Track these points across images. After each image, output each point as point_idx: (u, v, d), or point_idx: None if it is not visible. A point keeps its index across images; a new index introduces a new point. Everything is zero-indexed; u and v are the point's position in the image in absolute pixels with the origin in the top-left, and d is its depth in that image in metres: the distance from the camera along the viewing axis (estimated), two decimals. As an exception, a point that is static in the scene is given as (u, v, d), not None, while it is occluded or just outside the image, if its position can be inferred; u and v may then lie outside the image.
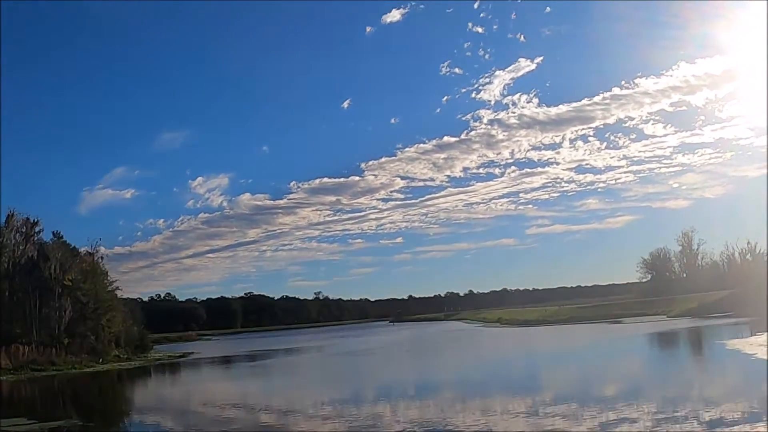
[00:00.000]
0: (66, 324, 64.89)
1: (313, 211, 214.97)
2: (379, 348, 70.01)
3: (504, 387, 29.55)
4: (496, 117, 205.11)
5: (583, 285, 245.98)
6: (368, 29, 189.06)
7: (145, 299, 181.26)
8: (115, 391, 44.24)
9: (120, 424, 28.42)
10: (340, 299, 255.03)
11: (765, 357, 29.80)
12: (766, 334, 40.27)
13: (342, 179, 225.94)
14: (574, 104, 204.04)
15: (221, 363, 67.62)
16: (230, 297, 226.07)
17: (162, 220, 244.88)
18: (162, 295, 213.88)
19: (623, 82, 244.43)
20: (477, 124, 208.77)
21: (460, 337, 79.81)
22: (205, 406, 30.87)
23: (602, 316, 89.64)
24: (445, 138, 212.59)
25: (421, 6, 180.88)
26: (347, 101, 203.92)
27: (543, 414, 20.62)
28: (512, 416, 20.52)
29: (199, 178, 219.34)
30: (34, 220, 69.49)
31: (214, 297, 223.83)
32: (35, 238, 69.43)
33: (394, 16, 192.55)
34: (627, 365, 35.78)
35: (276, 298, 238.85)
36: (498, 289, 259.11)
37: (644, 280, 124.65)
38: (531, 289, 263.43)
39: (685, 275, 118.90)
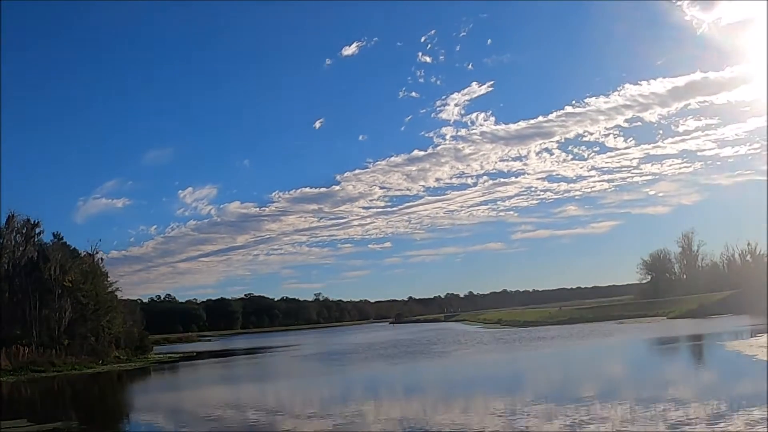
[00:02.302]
0: (66, 325, 64.87)
1: (298, 218, 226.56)
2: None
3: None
4: (459, 134, 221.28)
5: (583, 286, 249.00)
6: (328, 61, 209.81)
7: (145, 300, 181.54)
8: (115, 393, 44.26)
9: (119, 425, 28.44)
10: (340, 300, 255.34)
11: (765, 358, 29.80)
12: (766, 335, 40.27)
13: (323, 189, 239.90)
14: (532, 121, 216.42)
15: (219, 364, 67.81)
16: (230, 298, 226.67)
17: (154, 227, 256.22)
18: (162, 297, 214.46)
19: (574, 102, 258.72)
20: (441, 140, 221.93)
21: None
22: (201, 406, 31.18)
23: (602, 317, 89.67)
24: (415, 152, 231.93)
25: (375, 39, 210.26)
26: (319, 121, 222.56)
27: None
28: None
29: (189, 188, 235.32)
30: (34, 222, 69.53)
31: (214, 298, 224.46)
32: (35, 240, 69.43)
33: (352, 49, 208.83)
34: (626, 366, 35.77)
35: (276, 300, 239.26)
36: (498, 291, 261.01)
37: (644, 281, 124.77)
38: (531, 290, 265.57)
39: (685, 276, 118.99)
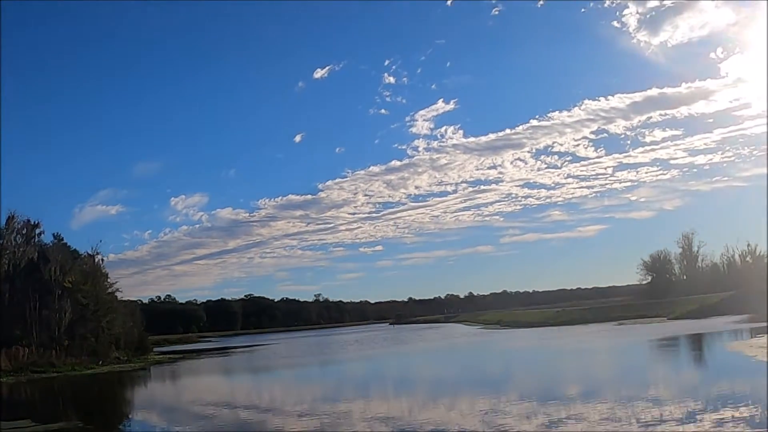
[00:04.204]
0: (66, 326, 64.83)
1: (287, 223, 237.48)
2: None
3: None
4: (431, 146, 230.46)
5: (583, 287, 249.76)
6: (301, 84, 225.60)
7: (146, 301, 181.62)
8: (115, 393, 44.30)
9: (121, 425, 28.75)
10: (340, 301, 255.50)
11: (765, 359, 29.81)
12: (766, 335, 40.27)
13: (309, 196, 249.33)
14: (500, 133, 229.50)
15: (216, 363, 67.92)
16: (230, 299, 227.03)
17: (148, 232, 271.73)
18: (162, 297, 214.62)
19: (537, 116, 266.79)
20: (415, 152, 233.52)
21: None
22: (200, 405, 31.83)
23: (603, 318, 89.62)
24: (393, 162, 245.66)
25: (342, 63, 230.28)
26: (300, 135, 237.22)
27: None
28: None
29: (182, 196, 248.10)
30: (34, 222, 69.55)
31: (214, 299, 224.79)
32: (36, 240, 69.46)
33: (322, 72, 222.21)
34: (627, 367, 35.76)
35: (276, 300, 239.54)
36: (498, 291, 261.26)
37: (644, 282, 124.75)
38: (531, 291, 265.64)
39: (685, 277, 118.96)
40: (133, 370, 60.48)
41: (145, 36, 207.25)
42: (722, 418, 17.72)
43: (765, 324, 46.32)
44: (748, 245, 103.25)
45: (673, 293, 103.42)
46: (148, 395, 42.59)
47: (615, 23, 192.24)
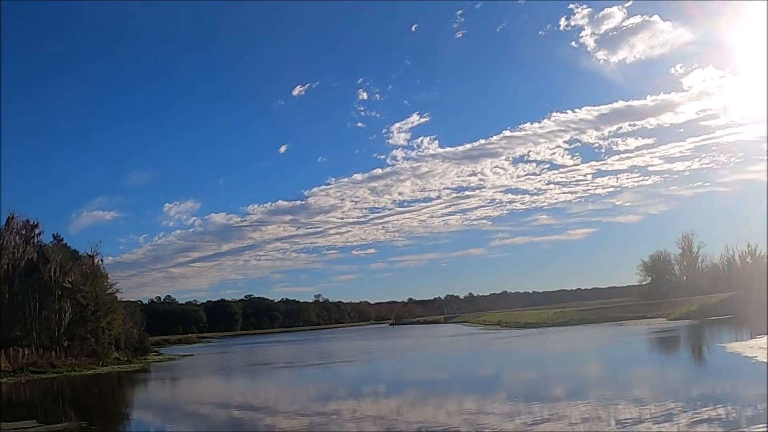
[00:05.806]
0: (66, 326, 64.81)
1: (278, 227, 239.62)
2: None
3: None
4: (410, 155, 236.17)
5: (583, 288, 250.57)
6: (281, 102, 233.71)
7: (145, 302, 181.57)
8: (116, 394, 44.33)
9: (123, 424, 28.95)
10: (340, 302, 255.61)
11: (765, 360, 29.81)
12: (766, 336, 40.27)
13: (298, 202, 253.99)
14: (476, 143, 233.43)
15: (215, 364, 67.92)
16: (230, 300, 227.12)
17: (143, 236, 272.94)
18: (162, 298, 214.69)
19: (509, 127, 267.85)
20: (395, 161, 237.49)
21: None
22: (198, 405, 32.33)
23: (603, 319, 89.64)
24: (376, 170, 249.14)
25: (320, 80, 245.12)
26: (284, 146, 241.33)
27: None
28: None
29: (175, 202, 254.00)
30: (34, 223, 69.47)
31: (214, 300, 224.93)
32: (35, 241, 69.35)
33: (301, 90, 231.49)
34: (628, 367, 35.76)
35: (275, 301, 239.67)
36: (498, 292, 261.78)
37: (644, 282, 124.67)
38: (531, 291, 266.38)
39: (685, 278, 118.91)
40: (133, 370, 60.49)
41: (141, 53, 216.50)
42: (722, 418, 17.72)
43: (765, 324, 46.19)
44: (748, 246, 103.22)
45: (674, 294, 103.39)
46: (148, 395, 42.62)
47: (573, 44, 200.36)
